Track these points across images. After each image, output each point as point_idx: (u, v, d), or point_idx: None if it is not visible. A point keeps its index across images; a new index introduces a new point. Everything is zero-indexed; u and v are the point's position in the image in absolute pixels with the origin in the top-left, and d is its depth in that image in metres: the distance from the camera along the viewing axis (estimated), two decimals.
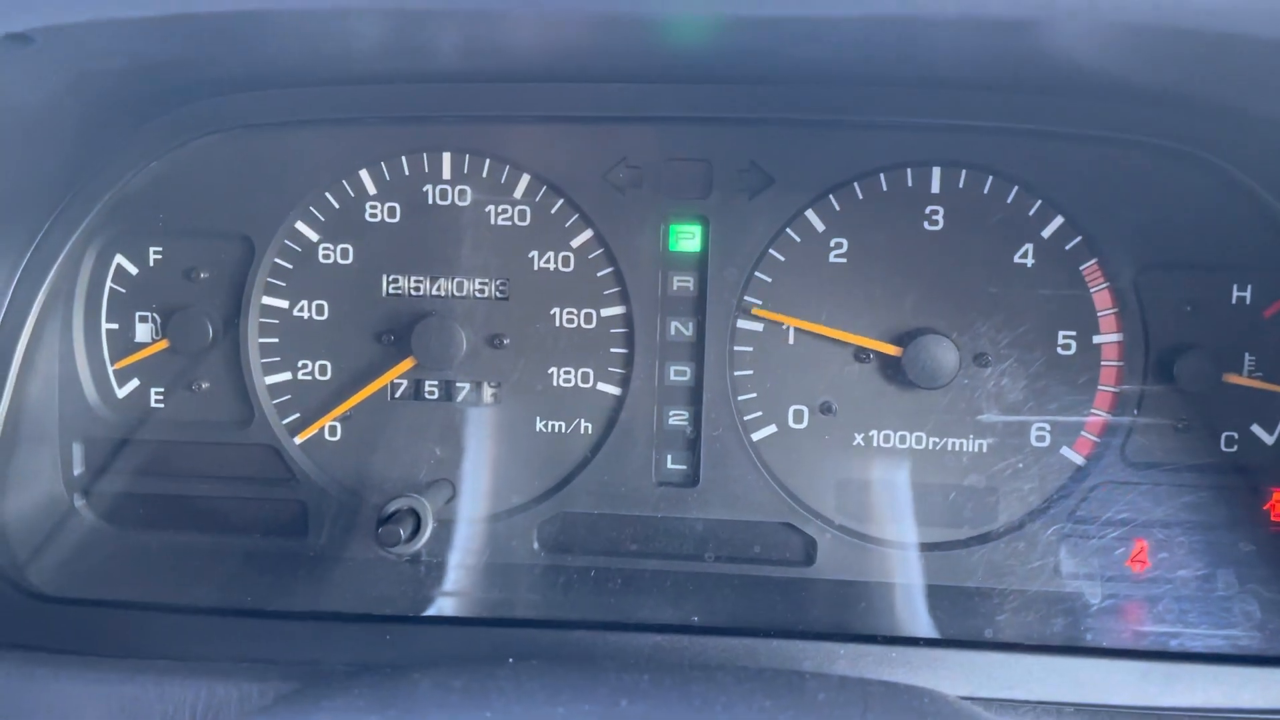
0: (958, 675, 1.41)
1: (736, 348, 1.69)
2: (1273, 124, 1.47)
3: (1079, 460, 1.65)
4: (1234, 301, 1.62)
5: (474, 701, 1.03)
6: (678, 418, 1.71)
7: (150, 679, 1.40)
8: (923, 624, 1.56)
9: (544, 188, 1.68)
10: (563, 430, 1.71)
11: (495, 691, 1.06)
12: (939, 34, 1.35)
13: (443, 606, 1.59)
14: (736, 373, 1.69)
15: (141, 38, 1.32)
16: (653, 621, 1.50)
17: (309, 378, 1.72)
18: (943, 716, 1.10)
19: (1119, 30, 1.24)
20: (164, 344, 1.72)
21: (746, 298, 1.67)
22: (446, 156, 1.68)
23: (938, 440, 1.67)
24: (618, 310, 1.69)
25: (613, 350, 1.70)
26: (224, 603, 1.55)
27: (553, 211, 1.68)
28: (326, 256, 1.71)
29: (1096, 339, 1.64)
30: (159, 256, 1.72)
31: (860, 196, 1.65)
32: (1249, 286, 1.62)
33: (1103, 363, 1.64)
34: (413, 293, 1.71)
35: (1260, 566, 1.58)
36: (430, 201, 1.69)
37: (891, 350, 1.63)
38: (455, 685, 1.09)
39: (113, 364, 1.74)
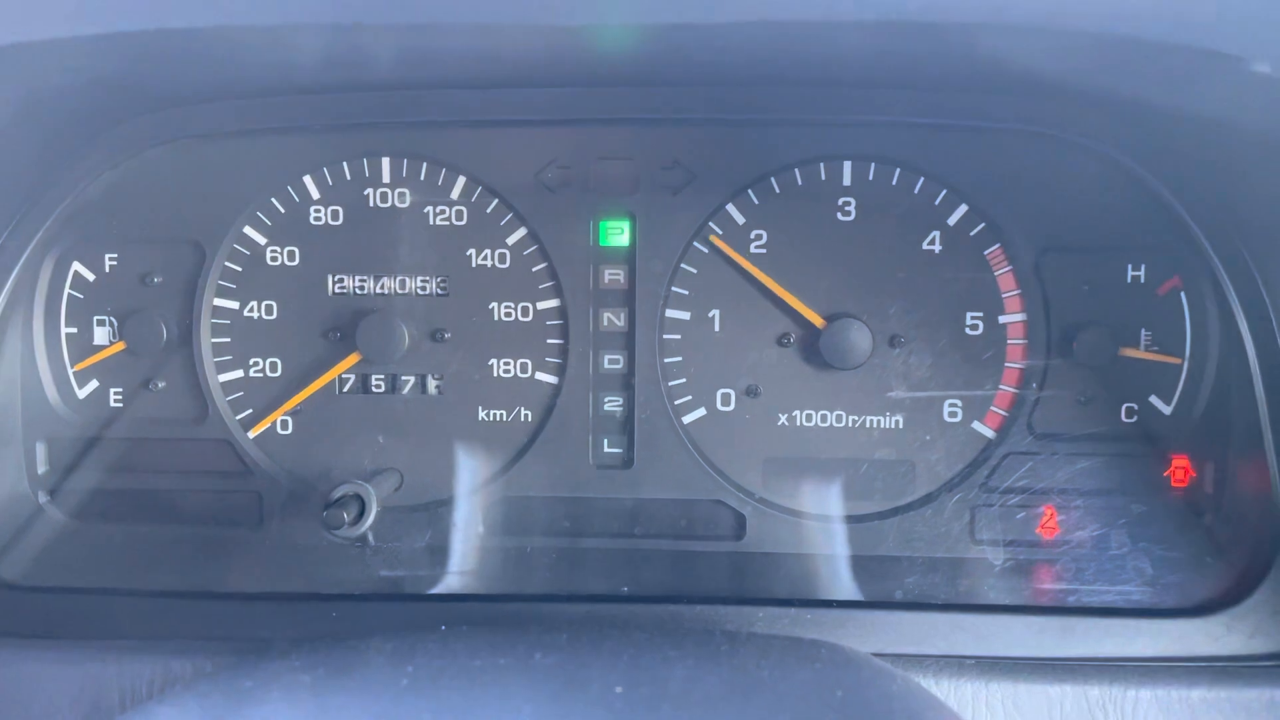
0: (868, 633, 1.51)
1: (666, 336, 1.78)
2: (1160, 115, 1.57)
3: (989, 434, 1.75)
4: (1129, 281, 1.72)
5: (400, 659, 1.12)
6: (612, 403, 1.81)
7: (110, 658, 1.48)
8: (839, 589, 1.66)
9: (479, 189, 1.77)
10: (504, 418, 1.80)
11: (420, 651, 1.15)
12: (840, 36, 1.45)
13: (389, 585, 1.68)
14: (666, 360, 1.78)
15: (91, 55, 1.40)
16: (585, 592, 1.59)
17: (260, 375, 1.81)
18: (836, 664, 1.19)
19: (1016, 32, 1.34)
20: (121, 346, 1.80)
21: (674, 287, 1.77)
22: (386, 161, 1.77)
23: (856, 418, 1.77)
24: (552, 303, 1.78)
25: (549, 341, 1.79)
26: (181, 586, 1.64)
27: (488, 211, 1.77)
28: (274, 259, 1.80)
29: (1002, 319, 1.74)
30: (114, 263, 1.81)
31: (777, 190, 1.75)
32: (1143, 266, 1.72)
33: (1008, 341, 1.74)
34: (357, 291, 1.79)
35: (1154, 526, 1.68)
36: (371, 204, 1.78)
37: (818, 320, 1.72)
38: (385, 648, 1.18)
39: (73, 366, 1.82)
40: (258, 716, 0.99)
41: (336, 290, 1.80)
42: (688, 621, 1.50)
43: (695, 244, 1.76)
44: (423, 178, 1.77)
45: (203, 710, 1.02)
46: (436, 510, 1.80)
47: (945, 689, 1.43)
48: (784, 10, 1.19)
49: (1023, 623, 1.52)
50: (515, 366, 1.80)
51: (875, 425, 1.76)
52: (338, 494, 1.62)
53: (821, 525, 1.76)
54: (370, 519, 1.61)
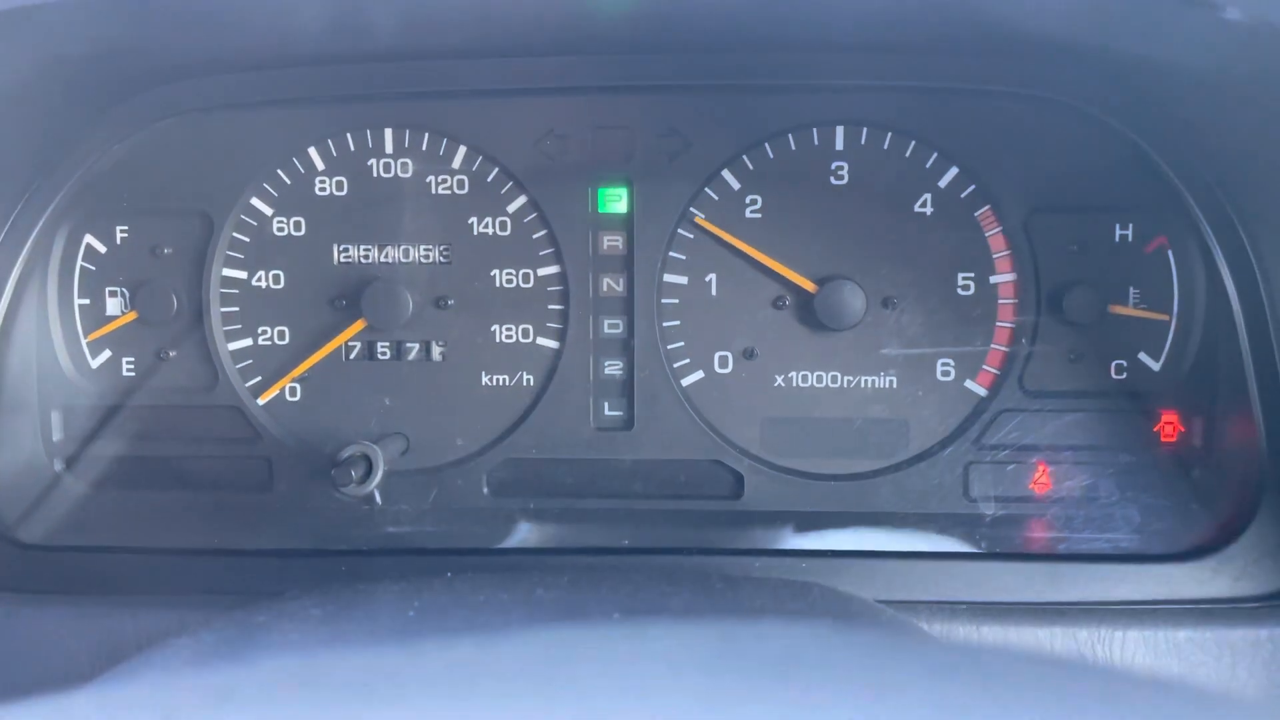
0: (862, 581, 1.55)
1: (664, 300, 1.82)
2: (1143, 71, 1.60)
3: (981, 392, 1.79)
4: (1117, 240, 1.76)
5: (406, 596, 1.17)
6: (612, 367, 1.85)
7: (127, 613, 1.53)
8: (835, 543, 1.70)
9: (480, 158, 1.81)
10: (506, 383, 1.84)
11: (426, 589, 1.20)
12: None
13: (396, 542, 1.72)
14: (665, 324, 1.82)
15: (101, 22, 1.44)
16: (587, 545, 1.64)
17: (268, 343, 1.85)
18: (828, 600, 1.23)
19: None
20: (133, 316, 1.85)
21: (672, 252, 1.81)
22: (388, 132, 1.81)
23: (851, 379, 1.80)
24: (553, 270, 1.82)
25: (550, 307, 1.83)
26: (195, 544, 1.68)
27: (489, 180, 1.81)
28: (280, 229, 1.84)
29: (993, 279, 1.77)
30: (125, 235, 1.85)
31: (771, 156, 1.78)
32: (1130, 225, 1.75)
33: (999, 301, 1.78)
34: (362, 260, 1.84)
35: (1144, 479, 1.72)
36: (375, 175, 1.82)
37: (808, 285, 1.76)
38: (392, 589, 1.23)
39: (86, 336, 1.86)
40: (271, 644, 1.03)
41: (342, 259, 1.84)
42: (686, 569, 1.54)
43: (692, 209, 1.80)
44: (424, 148, 1.81)
45: (219, 641, 1.06)
46: (442, 473, 1.84)
47: (937, 632, 1.47)
48: None
49: (1013, 569, 1.56)
50: (517, 332, 1.83)
51: (870, 385, 1.80)
52: (346, 454, 1.66)
53: (818, 483, 1.80)
54: (378, 477, 1.65)
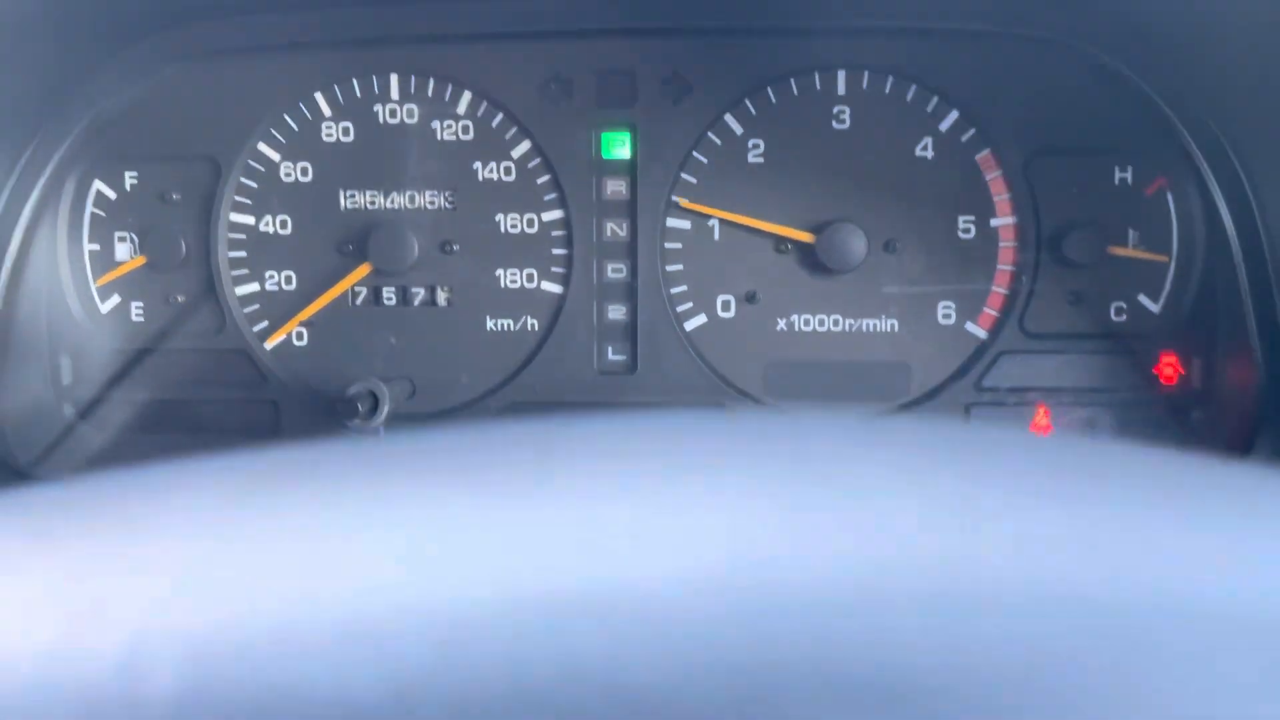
0: None
1: (667, 245, 1.83)
2: (1148, 12, 1.62)
3: (981, 334, 1.80)
4: (1117, 182, 1.77)
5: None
6: (616, 312, 1.86)
7: None
8: None
9: (485, 103, 1.83)
10: (511, 327, 1.86)
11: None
12: None
13: None
14: (668, 268, 1.84)
15: None
16: None
17: (275, 287, 1.87)
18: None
19: None
20: (142, 261, 1.87)
21: (674, 196, 1.82)
22: (394, 78, 1.83)
23: (853, 322, 1.82)
24: (557, 214, 1.84)
25: (554, 251, 1.85)
26: None
27: (494, 125, 1.83)
28: (288, 175, 1.85)
29: (993, 222, 1.79)
30: (134, 181, 1.87)
31: (773, 100, 1.80)
32: (1130, 168, 1.76)
33: (1000, 243, 1.79)
34: (369, 206, 1.85)
35: (1144, 419, 1.74)
36: (381, 121, 1.84)
37: (805, 237, 1.78)
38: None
39: (95, 281, 1.88)
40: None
41: (349, 205, 1.85)
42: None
43: (695, 154, 1.81)
44: (430, 94, 1.83)
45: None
46: (447, 417, 1.85)
47: None
48: None
49: None
50: (522, 277, 1.85)
51: (872, 328, 1.81)
52: (352, 390, 1.68)
53: None
54: (384, 412, 1.67)
